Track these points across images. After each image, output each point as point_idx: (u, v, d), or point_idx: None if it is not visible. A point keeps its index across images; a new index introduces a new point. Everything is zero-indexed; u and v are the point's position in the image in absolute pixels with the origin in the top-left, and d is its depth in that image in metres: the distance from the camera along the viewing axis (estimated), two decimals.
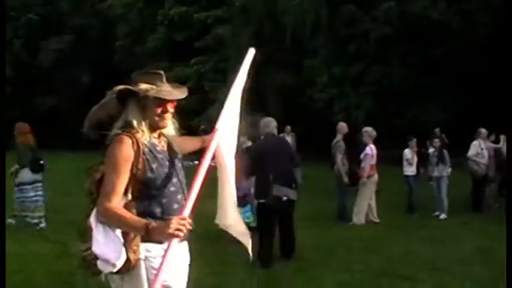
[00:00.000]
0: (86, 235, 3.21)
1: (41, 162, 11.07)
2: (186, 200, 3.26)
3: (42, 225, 11.06)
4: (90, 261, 3.20)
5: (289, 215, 8.40)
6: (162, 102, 3.31)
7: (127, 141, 3.21)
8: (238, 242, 3.86)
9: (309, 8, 26.60)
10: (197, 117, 27.49)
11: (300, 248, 8.59)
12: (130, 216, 3.14)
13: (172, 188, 3.34)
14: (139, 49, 37.10)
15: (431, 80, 24.54)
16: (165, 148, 3.43)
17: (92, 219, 3.19)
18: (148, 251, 3.22)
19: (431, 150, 13.66)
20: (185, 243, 3.49)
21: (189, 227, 3.05)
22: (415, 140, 13.41)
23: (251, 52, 3.99)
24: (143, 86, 3.29)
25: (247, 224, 10.05)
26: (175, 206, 3.31)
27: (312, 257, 8.53)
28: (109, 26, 40.73)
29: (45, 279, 6.79)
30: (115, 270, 3.14)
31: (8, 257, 8.30)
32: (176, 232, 2.97)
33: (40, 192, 11.17)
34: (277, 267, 7.87)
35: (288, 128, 17.10)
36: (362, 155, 11.61)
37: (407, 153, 13.20)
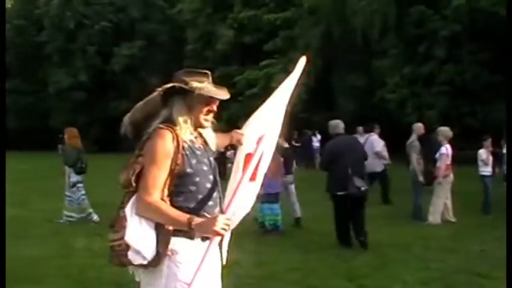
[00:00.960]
0: (117, 225, 3.22)
1: (83, 165, 11.69)
2: (221, 199, 3.41)
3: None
4: (120, 251, 3.17)
5: (364, 204, 9.21)
6: (209, 101, 3.35)
7: (168, 136, 3.21)
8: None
9: (377, 8, 26.56)
10: None
11: (378, 245, 8.82)
12: (173, 210, 3.17)
13: (208, 185, 3.36)
14: (209, 53, 37.61)
15: (502, 78, 24.13)
16: (203, 146, 3.46)
17: (128, 210, 3.19)
18: (174, 244, 3.21)
19: (505, 149, 13.43)
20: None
21: (229, 227, 3.18)
22: (490, 139, 13.15)
23: (302, 60, 3.95)
24: (196, 84, 3.29)
25: (275, 223, 10.38)
26: (210, 202, 3.34)
27: (390, 254, 8.65)
28: (179, 31, 41.57)
29: (115, 274, 7.03)
30: (145, 262, 3.15)
31: (78, 253, 8.79)
32: (221, 230, 3.08)
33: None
34: (357, 264, 8.05)
35: (360, 128, 17.02)
36: (437, 155, 11.61)
37: (482, 153, 12.95)
